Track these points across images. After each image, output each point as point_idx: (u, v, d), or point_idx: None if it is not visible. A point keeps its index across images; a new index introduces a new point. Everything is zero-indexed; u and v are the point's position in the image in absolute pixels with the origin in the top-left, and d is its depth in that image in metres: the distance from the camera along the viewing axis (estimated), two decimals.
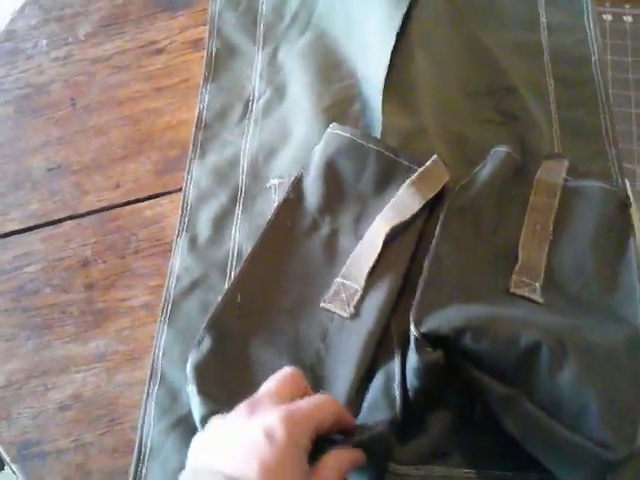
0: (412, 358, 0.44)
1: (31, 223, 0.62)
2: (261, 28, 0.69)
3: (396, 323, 0.49)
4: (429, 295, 0.45)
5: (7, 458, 0.52)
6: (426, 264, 0.48)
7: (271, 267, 0.52)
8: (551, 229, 0.51)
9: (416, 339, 0.42)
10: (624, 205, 0.53)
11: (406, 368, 0.46)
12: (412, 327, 0.43)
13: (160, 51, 0.70)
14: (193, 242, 0.58)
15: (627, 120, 0.63)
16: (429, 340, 0.42)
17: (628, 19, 0.68)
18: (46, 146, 0.66)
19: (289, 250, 0.53)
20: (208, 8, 0.71)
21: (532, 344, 0.40)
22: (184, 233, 0.58)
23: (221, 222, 0.58)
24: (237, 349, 0.48)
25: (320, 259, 0.52)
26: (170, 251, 0.58)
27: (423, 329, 0.42)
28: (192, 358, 0.46)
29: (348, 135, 0.55)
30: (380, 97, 0.58)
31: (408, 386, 0.45)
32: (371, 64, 0.62)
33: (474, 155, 0.57)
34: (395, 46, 0.60)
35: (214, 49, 0.68)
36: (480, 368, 0.42)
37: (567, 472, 0.41)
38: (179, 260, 0.57)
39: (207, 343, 0.47)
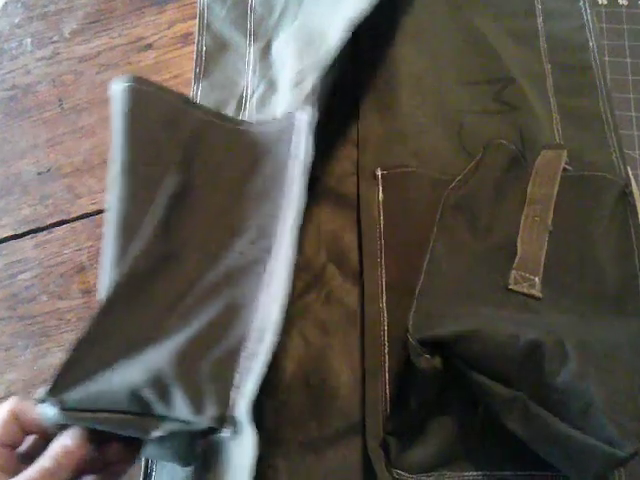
0: (409, 366, 0.43)
1: (23, 229, 0.61)
2: (251, 22, 0.67)
3: (388, 325, 0.49)
4: (426, 301, 0.45)
5: None
6: (424, 267, 0.47)
7: None
8: (550, 220, 0.50)
9: (413, 347, 0.42)
10: (624, 194, 0.52)
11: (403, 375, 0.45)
12: (408, 335, 0.42)
13: (149, 47, 0.68)
14: None
15: (626, 105, 0.62)
16: (427, 347, 0.42)
17: (623, 2, 0.67)
18: (35, 149, 0.65)
19: None
20: (197, 1, 0.69)
21: (530, 344, 0.40)
22: None
23: None
24: None
25: None
26: None
27: (419, 336, 0.42)
28: None
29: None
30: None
31: (407, 393, 0.45)
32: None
33: (472, 146, 0.56)
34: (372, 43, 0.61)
35: (204, 45, 0.66)
36: (481, 372, 0.41)
37: (575, 471, 0.40)
38: None
39: None
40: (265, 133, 0.54)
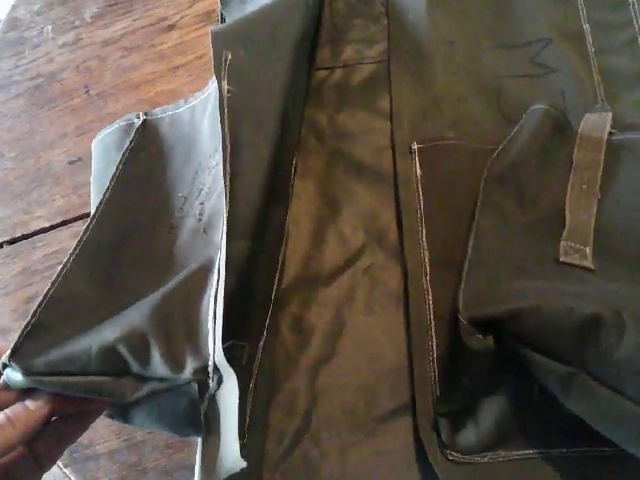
0: (460, 346, 0.41)
1: (58, 220, 0.61)
2: None
3: (433, 303, 0.48)
4: (475, 277, 0.43)
5: (59, 462, 0.51)
6: (469, 242, 0.45)
7: None
8: (598, 187, 0.48)
9: (464, 327, 0.40)
10: None
11: (453, 355, 0.44)
12: (459, 315, 0.40)
13: (171, 27, 0.67)
14: None
15: None
16: (478, 326, 0.40)
17: None
18: (64, 138, 0.64)
19: None
20: None
21: (587, 318, 0.38)
22: None
23: None
24: None
25: None
26: None
27: (471, 315, 0.40)
28: None
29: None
30: None
31: (459, 373, 0.43)
32: None
33: (512, 113, 0.55)
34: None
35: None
36: (535, 349, 0.40)
37: (637, 446, 0.39)
38: None
39: None
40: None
